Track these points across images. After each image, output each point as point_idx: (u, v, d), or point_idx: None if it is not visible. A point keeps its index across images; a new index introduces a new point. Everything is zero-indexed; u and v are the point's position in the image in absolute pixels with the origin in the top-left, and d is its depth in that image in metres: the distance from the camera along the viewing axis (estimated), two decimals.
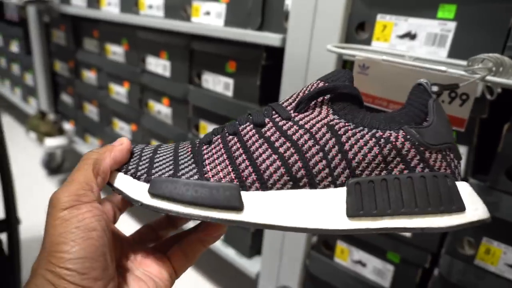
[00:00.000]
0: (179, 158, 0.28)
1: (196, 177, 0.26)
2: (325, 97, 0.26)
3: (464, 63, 0.43)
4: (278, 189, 0.25)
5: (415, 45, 0.49)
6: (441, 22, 0.46)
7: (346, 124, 0.26)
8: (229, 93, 0.76)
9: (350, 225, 0.25)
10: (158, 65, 0.92)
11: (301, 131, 0.26)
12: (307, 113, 0.27)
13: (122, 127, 1.14)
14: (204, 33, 0.73)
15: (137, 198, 0.26)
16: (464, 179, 0.49)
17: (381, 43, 0.52)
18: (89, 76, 1.23)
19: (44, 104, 1.49)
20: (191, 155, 0.28)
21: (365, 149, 0.25)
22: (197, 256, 0.30)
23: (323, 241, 0.66)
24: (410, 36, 0.49)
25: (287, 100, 0.28)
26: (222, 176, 0.26)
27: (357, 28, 0.54)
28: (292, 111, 0.27)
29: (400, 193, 0.24)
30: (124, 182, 0.27)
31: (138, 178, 0.27)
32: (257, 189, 0.25)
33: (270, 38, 0.62)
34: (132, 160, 0.29)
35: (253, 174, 0.26)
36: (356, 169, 0.25)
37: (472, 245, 0.50)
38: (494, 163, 0.45)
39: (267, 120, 0.27)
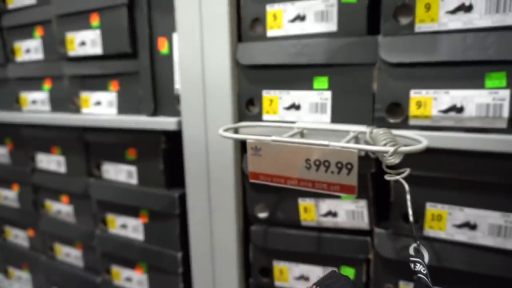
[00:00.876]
0: None
1: None
2: None
3: (347, 127, 0.47)
4: None
5: (301, 114, 0.52)
6: (318, 92, 0.51)
7: None
8: (134, 180, 0.72)
9: None
10: (51, 162, 0.84)
11: None
12: None
13: (16, 235, 0.99)
14: (97, 124, 0.70)
15: None
16: (370, 231, 0.52)
17: (271, 116, 0.55)
18: None
19: None
20: None
21: None
22: None
23: (260, 268, 0.61)
24: (295, 107, 0.53)
25: None
26: None
27: (248, 104, 0.57)
28: None
29: None
30: None
31: None
32: None
33: (165, 123, 0.62)
34: None
35: None
36: None
37: None
38: (391, 211, 0.49)
39: None
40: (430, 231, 0.48)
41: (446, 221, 0.46)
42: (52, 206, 0.88)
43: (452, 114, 0.43)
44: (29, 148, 0.88)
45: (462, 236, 0.46)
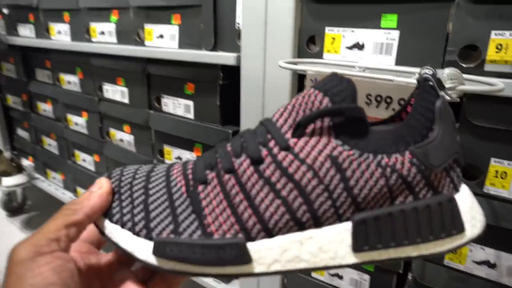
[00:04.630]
0: (176, 205, 0.26)
1: (199, 232, 0.25)
2: (327, 118, 0.24)
3: (411, 69, 0.45)
4: (283, 234, 0.25)
5: (364, 55, 0.50)
6: (385, 31, 0.48)
7: (350, 152, 0.24)
8: (190, 115, 0.75)
9: (355, 259, 0.24)
10: (116, 92, 0.90)
11: (303, 168, 0.24)
12: (306, 139, 0.25)
13: (84, 159, 1.10)
14: (159, 56, 0.73)
15: (144, 259, 0.25)
16: None
17: (332, 55, 0.53)
18: (45, 108, 1.18)
19: None
20: (188, 200, 0.26)
21: (371, 182, 0.24)
22: (180, 285, 0.30)
23: None
24: (359, 46, 0.50)
25: (282, 114, 0.26)
26: (226, 230, 0.25)
27: (308, 42, 0.55)
28: (289, 135, 0.25)
29: (404, 226, 0.24)
30: (124, 238, 0.26)
31: (138, 234, 0.25)
32: (263, 237, 0.25)
33: (224, 58, 0.62)
34: (123, 199, 0.27)
35: (257, 224, 0.24)
36: (361, 203, 0.24)
37: None
38: None
39: (264, 152, 0.25)
40: (490, 188, 0.45)
41: None
42: (115, 134, 0.95)
43: None
44: (97, 78, 0.94)
45: None
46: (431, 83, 0.26)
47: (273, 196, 0.24)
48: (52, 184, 1.26)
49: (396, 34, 0.47)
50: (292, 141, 0.25)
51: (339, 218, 0.24)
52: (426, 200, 0.24)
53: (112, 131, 0.96)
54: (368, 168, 0.24)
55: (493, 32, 0.40)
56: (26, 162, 1.35)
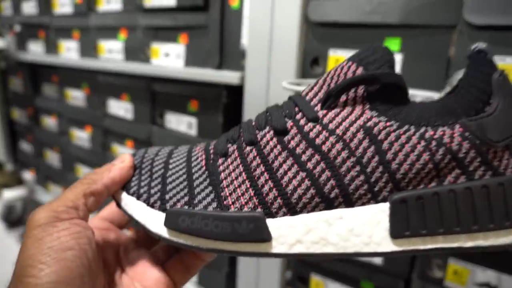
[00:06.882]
0: (194, 178, 0.25)
1: (214, 204, 0.23)
2: (360, 87, 0.22)
3: (414, 92, 0.45)
4: (309, 211, 0.22)
5: None
6: None
7: (388, 124, 0.21)
8: (193, 131, 0.75)
9: (394, 247, 0.21)
10: (120, 108, 0.91)
11: (332, 139, 0.22)
12: (337, 110, 0.22)
13: (85, 173, 1.09)
14: (164, 74, 0.74)
15: (156, 231, 0.24)
16: None
17: None
18: (49, 122, 1.19)
19: (1, 154, 1.42)
20: (206, 172, 0.25)
21: (412, 156, 0.20)
22: (198, 268, 0.29)
23: (298, 276, 0.65)
24: None
25: (312, 88, 0.24)
26: (243, 203, 0.23)
27: (312, 63, 0.56)
28: (318, 108, 0.23)
29: (455, 209, 0.20)
30: (138, 210, 0.25)
31: (152, 206, 0.24)
32: (284, 214, 0.22)
33: (229, 77, 0.63)
34: (143, 173, 0.26)
35: (278, 198, 0.22)
36: (401, 181, 0.21)
37: (441, 267, 0.50)
38: None
39: (289, 123, 0.23)
40: None
41: None
42: (118, 149, 0.95)
43: None
44: (103, 93, 0.95)
45: None
46: (485, 55, 0.22)
47: (297, 168, 0.22)
48: (52, 197, 1.25)
49: (399, 57, 0.48)
50: (321, 113, 0.23)
51: (375, 198, 0.21)
52: (483, 180, 0.20)
53: (114, 146, 0.96)
54: (409, 141, 0.21)
55: (496, 58, 0.41)
56: (28, 175, 1.35)
